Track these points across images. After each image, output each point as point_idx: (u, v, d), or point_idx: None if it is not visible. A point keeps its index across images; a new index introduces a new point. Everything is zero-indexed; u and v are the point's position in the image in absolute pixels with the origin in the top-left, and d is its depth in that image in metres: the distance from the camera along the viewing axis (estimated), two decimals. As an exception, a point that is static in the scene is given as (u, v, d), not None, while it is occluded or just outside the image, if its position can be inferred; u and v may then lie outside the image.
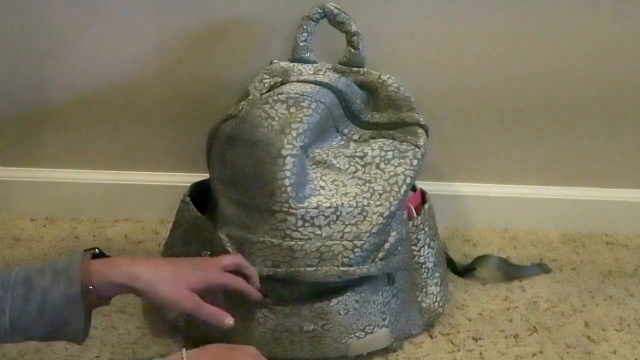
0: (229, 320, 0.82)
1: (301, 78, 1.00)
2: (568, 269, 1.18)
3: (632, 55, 1.14)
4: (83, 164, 1.28)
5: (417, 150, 0.97)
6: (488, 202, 1.28)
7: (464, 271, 1.15)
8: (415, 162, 0.96)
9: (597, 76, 1.16)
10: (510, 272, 1.15)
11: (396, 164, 0.95)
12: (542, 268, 1.17)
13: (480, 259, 1.16)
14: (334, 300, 0.90)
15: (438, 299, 1.02)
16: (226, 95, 1.12)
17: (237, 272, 0.88)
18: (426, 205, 1.04)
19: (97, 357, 0.96)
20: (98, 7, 1.13)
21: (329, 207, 0.91)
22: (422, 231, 1.02)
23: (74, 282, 0.75)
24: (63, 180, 1.28)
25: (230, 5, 1.12)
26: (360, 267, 0.90)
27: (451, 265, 1.15)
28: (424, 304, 1.01)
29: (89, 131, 1.25)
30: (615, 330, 1.04)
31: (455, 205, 1.27)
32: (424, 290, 1.02)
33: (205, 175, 1.03)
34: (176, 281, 0.81)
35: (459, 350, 1.00)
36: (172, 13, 1.13)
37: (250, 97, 1.00)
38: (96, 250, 0.80)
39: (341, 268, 0.90)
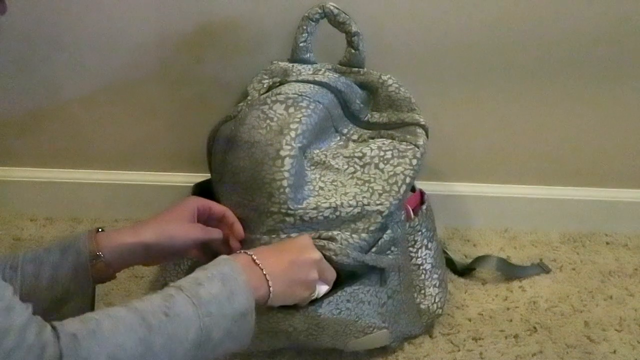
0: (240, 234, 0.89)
1: (300, 78, 1.00)
2: (568, 269, 1.18)
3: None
4: (83, 164, 1.28)
5: (417, 149, 0.96)
6: (488, 202, 1.27)
7: (464, 271, 1.15)
8: (414, 161, 0.95)
9: (598, 74, 1.16)
10: (510, 272, 1.15)
11: (395, 163, 0.95)
12: (542, 268, 1.17)
13: (480, 259, 1.16)
14: (325, 301, 0.89)
15: (437, 300, 1.01)
16: (226, 95, 1.12)
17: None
18: (424, 207, 1.03)
19: (97, 357, 0.96)
20: (96, 7, 1.13)
21: (328, 208, 0.91)
22: (419, 232, 1.01)
23: (82, 252, 0.76)
24: (63, 180, 1.28)
25: (230, 5, 1.12)
26: (357, 252, 0.89)
27: (451, 265, 1.15)
28: (422, 306, 1.00)
29: (89, 131, 1.25)
30: (615, 330, 1.04)
31: (455, 205, 1.27)
32: (422, 291, 1.01)
33: (206, 176, 1.03)
34: (181, 218, 0.85)
35: (459, 350, 1.00)
36: (172, 13, 1.13)
37: (249, 97, 1.00)
38: (100, 229, 0.82)
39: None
